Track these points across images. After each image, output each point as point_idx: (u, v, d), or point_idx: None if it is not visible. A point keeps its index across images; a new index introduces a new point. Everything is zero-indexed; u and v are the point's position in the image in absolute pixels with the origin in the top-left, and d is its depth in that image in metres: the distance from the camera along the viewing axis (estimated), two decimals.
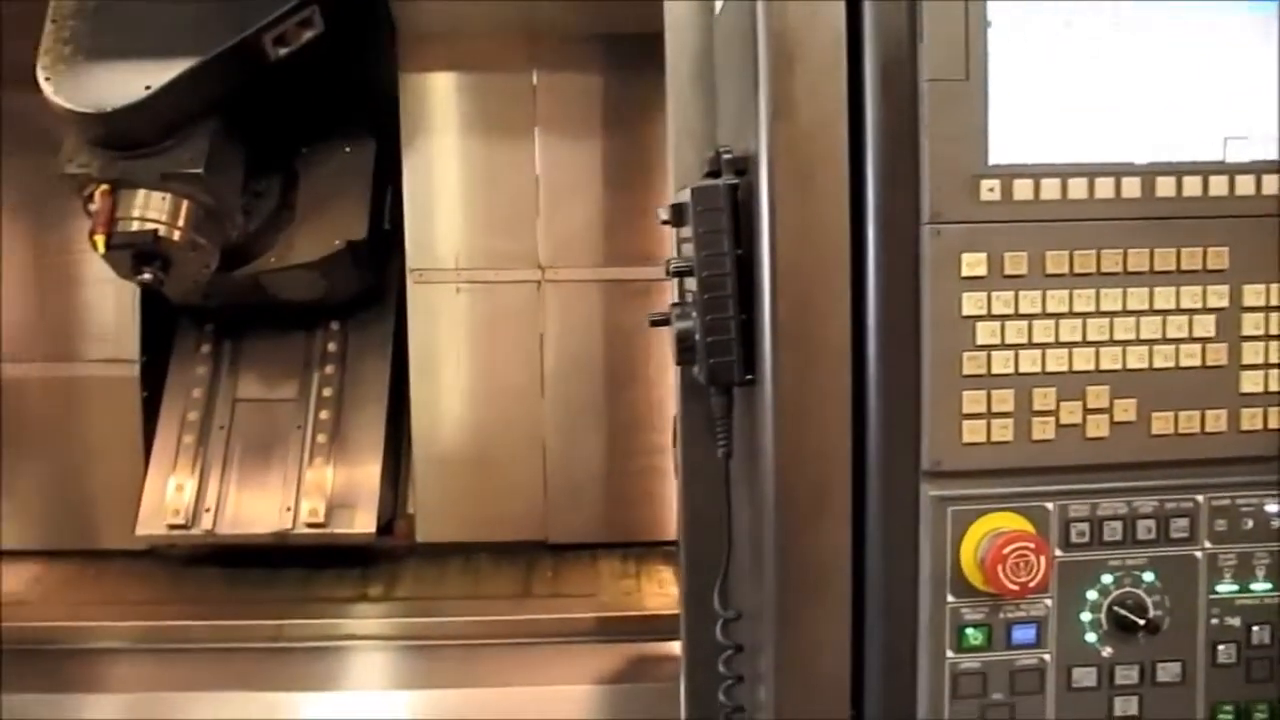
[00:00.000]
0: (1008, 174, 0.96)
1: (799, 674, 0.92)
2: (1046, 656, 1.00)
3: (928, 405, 0.94)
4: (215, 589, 2.63)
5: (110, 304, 2.70)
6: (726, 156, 0.97)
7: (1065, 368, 0.99)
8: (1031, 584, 0.96)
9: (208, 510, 2.57)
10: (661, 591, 2.54)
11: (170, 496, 2.57)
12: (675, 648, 2.30)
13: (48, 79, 2.09)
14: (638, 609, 2.48)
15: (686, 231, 0.99)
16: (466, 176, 2.67)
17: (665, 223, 1.04)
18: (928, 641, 0.96)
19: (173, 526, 2.55)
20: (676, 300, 1.08)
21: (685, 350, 0.99)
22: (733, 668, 1.06)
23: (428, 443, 2.69)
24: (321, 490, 2.58)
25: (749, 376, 0.96)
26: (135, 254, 2.18)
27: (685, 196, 0.98)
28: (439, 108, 2.65)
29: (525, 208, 2.67)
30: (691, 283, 1.00)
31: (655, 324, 1.06)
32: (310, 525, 2.55)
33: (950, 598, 0.98)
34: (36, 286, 2.75)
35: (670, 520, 2.63)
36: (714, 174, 0.98)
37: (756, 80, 0.88)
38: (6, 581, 2.68)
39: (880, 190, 0.91)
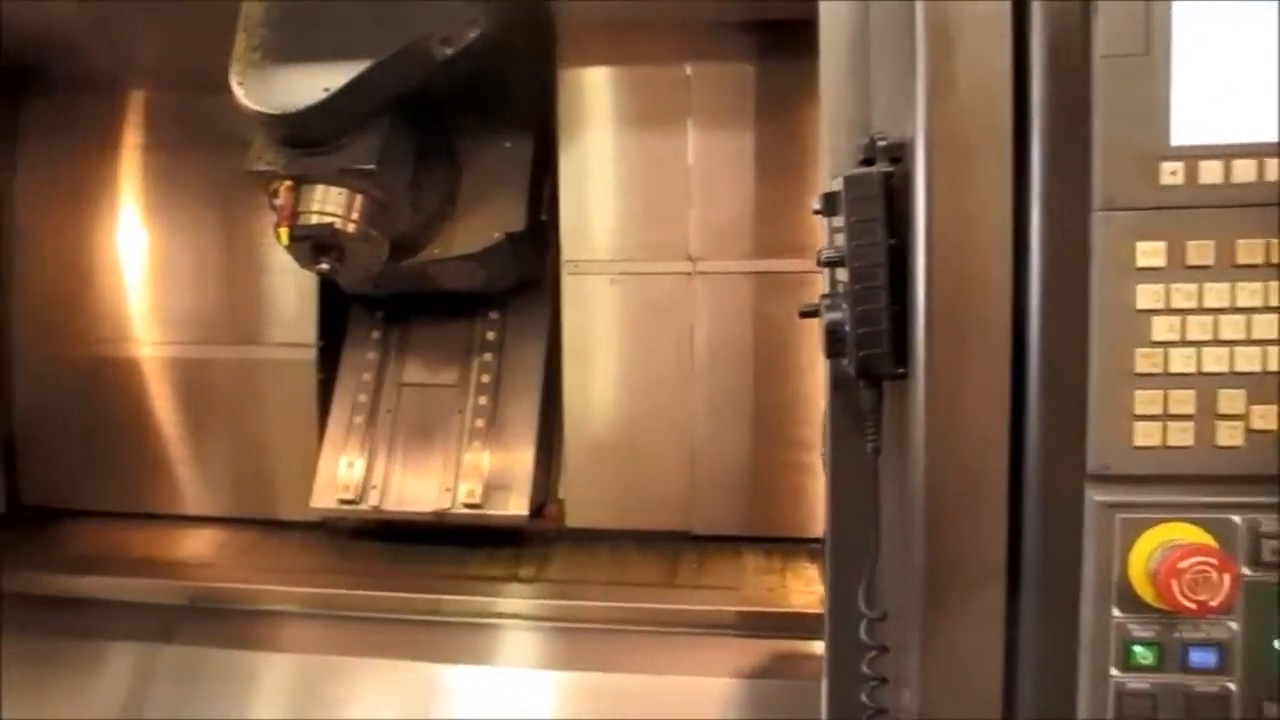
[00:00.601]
0: (1193, 155, 0.89)
1: (947, 678, 0.88)
2: (1231, 685, 0.92)
3: (1095, 404, 0.88)
4: (379, 562, 2.79)
5: (291, 292, 2.89)
6: (881, 143, 0.94)
7: (1258, 368, 0.90)
8: (1213, 603, 0.88)
9: (374, 487, 2.72)
10: (806, 589, 2.50)
11: (341, 473, 2.73)
12: (817, 646, 2.27)
13: (239, 84, 2.25)
14: (781, 605, 2.45)
15: (839, 221, 0.97)
16: (620, 169, 2.71)
17: (818, 212, 1.02)
18: (1090, 656, 0.90)
19: (343, 501, 2.71)
20: (828, 291, 1.05)
21: (835, 342, 0.97)
22: (877, 669, 1.03)
23: (579, 430, 2.74)
24: (478, 473, 2.69)
25: (900, 370, 0.93)
26: (314, 245, 2.33)
27: (838, 185, 0.96)
28: (595, 102, 2.69)
29: (677, 199, 2.68)
30: (843, 273, 0.97)
31: (805, 315, 1.03)
32: (467, 506, 2.66)
33: (1116, 611, 0.91)
34: (227, 276, 2.97)
35: (817, 517, 2.59)
36: (868, 161, 0.95)
37: (913, 58, 0.84)
38: (196, 545, 2.94)
39: (1046, 174, 0.86)
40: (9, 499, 3.01)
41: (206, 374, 2.99)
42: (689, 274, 2.68)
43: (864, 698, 1.02)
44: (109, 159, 2.99)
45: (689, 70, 2.66)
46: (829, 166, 1.07)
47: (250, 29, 2.33)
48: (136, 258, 3.00)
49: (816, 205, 1.01)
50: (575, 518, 2.75)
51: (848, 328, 0.94)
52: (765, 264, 2.61)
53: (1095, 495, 0.89)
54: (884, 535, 0.99)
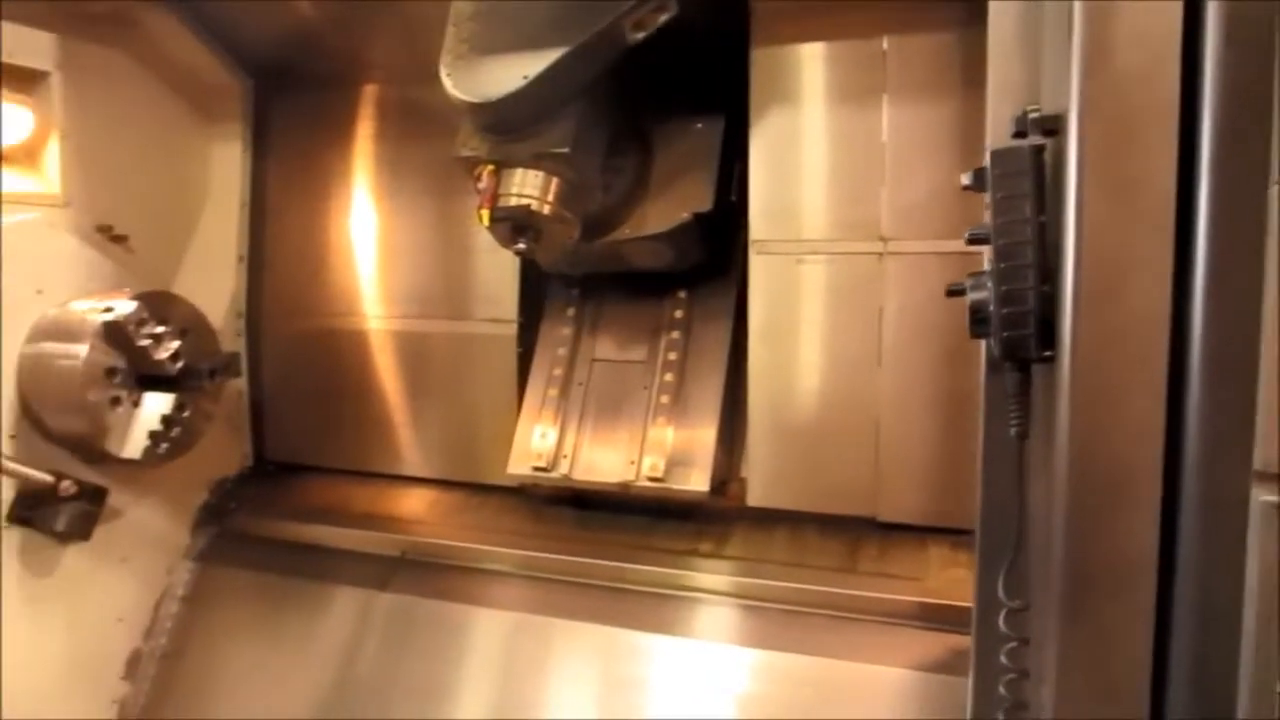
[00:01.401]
0: None
1: (1086, 674, 0.83)
2: None
3: (1264, 396, 0.79)
4: (569, 528, 2.93)
5: (497, 271, 3.06)
6: (1034, 116, 0.89)
7: None
8: None
9: (565, 457, 2.86)
10: None
11: (535, 443, 2.89)
12: None
13: (448, 75, 2.42)
14: (965, 599, 2.35)
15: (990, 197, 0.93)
16: (812, 148, 2.67)
17: (967, 188, 0.98)
18: (1253, 665, 0.82)
19: (536, 469, 2.86)
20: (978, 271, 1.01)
21: (979, 322, 0.93)
22: (1017, 661, 0.99)
23: (763, 410, 2.74)
24: (662, 448, 2.76)
25: (1048, 352, 0.88)
26: (512, 226, 2.47)
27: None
28: (787, 80, 2.66)
29: (870, 178, 2.61)
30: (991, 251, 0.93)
31: (951, 295, 1.00)
32: (650, 479, 2.74)
33: None
34: (442, 255, 3.19)
35: None
36: (1021, 135, 0.90)
37: (1070, 24, 0.79)
38: (410, 503, 3.20)
39: (1218, 145, 0.78)
40: (256, 455, 3.40)
41: (423, 346, 3.23)
42: (879, 254, 2.61)
43: (1002, 689, 0.98)
44: (343, 149, 3.29)
45: (886, 44, 2.57)
46: (991, 140, 1.02)
47: (459, 23, 2.50)
48: (365, 239, 3.28)
49: (966, 180, 0.97)
50: (756, 497, 2.76)
51: (992, 307, 0.90)
52: (959, 244, 2.48)
53: (1262, 495, 0.80)
54: (1029, 523, 0.94)
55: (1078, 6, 0.79)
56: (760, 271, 2.71)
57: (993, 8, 1.08)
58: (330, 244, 3.30)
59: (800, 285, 2.69)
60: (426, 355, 3.23)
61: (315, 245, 3.31)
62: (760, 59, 2.66)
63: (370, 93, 3.28)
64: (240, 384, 3.26)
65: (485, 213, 2.46)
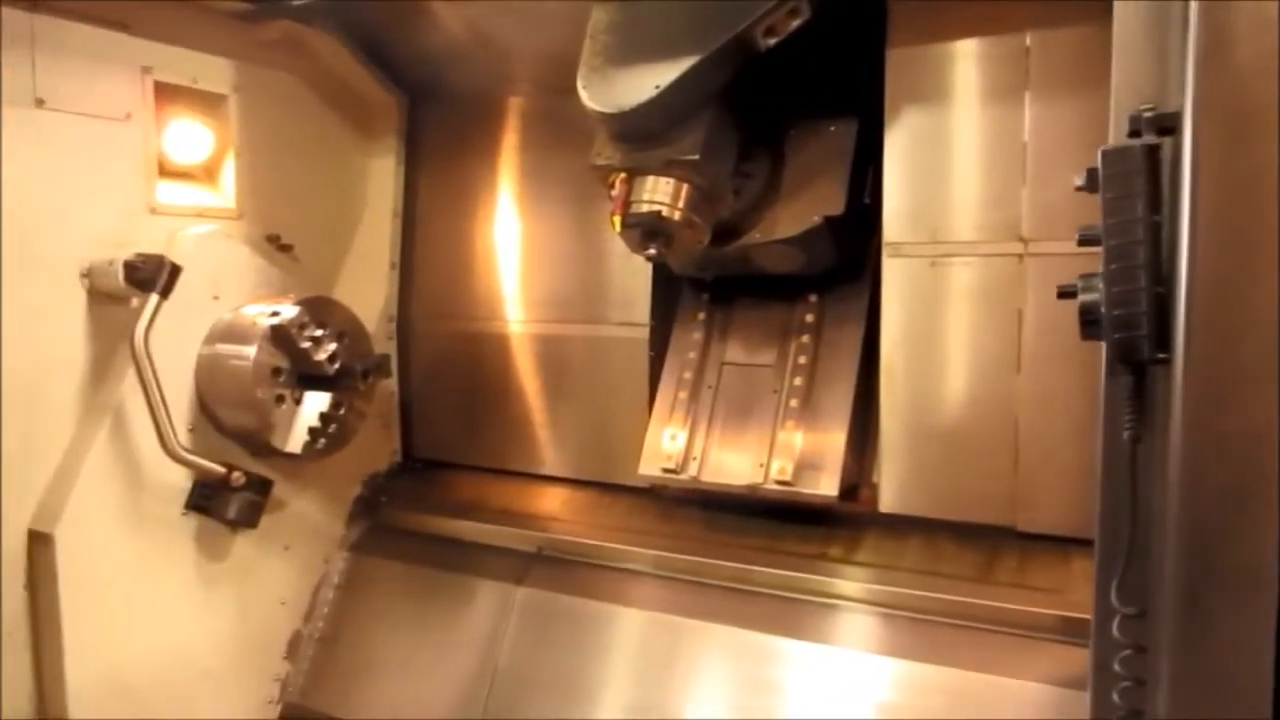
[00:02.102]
0: None
1: (1203, 684, 0.80)
2: None
3: None
4: (697, 529, 2.97)
5: (629, 276, 3.13)
6: (1148, 114, 0.86)
7: None
8: None
9: (694, 459, 2.89)
10: None
11: (666, 444, 2.93)
12: None
13: (583, 87, 2.51)
14: None
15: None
16: (950, 148, 2.61)
17: (1080, 188, 0.95)
18: None
19: (666, 470, 2.91)
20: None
21: (1090, 324, 0.91)
22: (1132, 669, 0.95)
23: (895, 415, 2.69)
24: (791, 451, 2.75)
25: (1162, 354, 0.85)
26: (643, 231, 2.53)
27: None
28: (924, 80, 2.61)
29: (1010, 178, 2.53)
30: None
31: (1063, 296, 0.97)
32: (779, 482, 2.74)
33: None
34: (579, 261, 3.29)
35: None
36: (1136, 134, 0.88)
37: (1187, 18, 0.77)
38: (546, 501, 3.31)
39: None
40: (404, 451, 3.59)
41: (561, 349, 3.34)
42: (1020, 256, 2.52)
43: (1115, 697, 0.95)
44: (488, 159, 3.44)
45: (1029, 40, 2.49)
46: (1114, 139, 0.99)
47: (595, 35, 2.58)
48: (508, 245, 3.42)
49: (1079, 181, 0.94)
50: (889, 503, 2.71)
51: (1103, 309, 0.88)
52: None
53: None
54: (1144, 528, 0.90)
55: (1194, 2, 0.76)
56: (895, 274, 2.67)
57: (1118, 5, 1.04)
58: (475, 250, 3.45)
59: (936, 288, 2.63)
60: (564, 358, 3.33)
61: (461, 252, 3.47)
62: (896, 59, 2.62)
63: (514, 105, 3.42)
64: (391, 384, 3.46)
65: (617, 219, 2.53)
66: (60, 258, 2.61)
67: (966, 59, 2.60)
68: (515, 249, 3.40)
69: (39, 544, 2.59)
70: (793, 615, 2.71)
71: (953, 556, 2.62)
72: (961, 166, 2.60)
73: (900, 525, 2.71)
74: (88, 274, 2.66)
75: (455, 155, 3.49)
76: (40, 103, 2.53)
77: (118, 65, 2.69)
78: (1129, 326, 0.87)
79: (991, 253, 2.56)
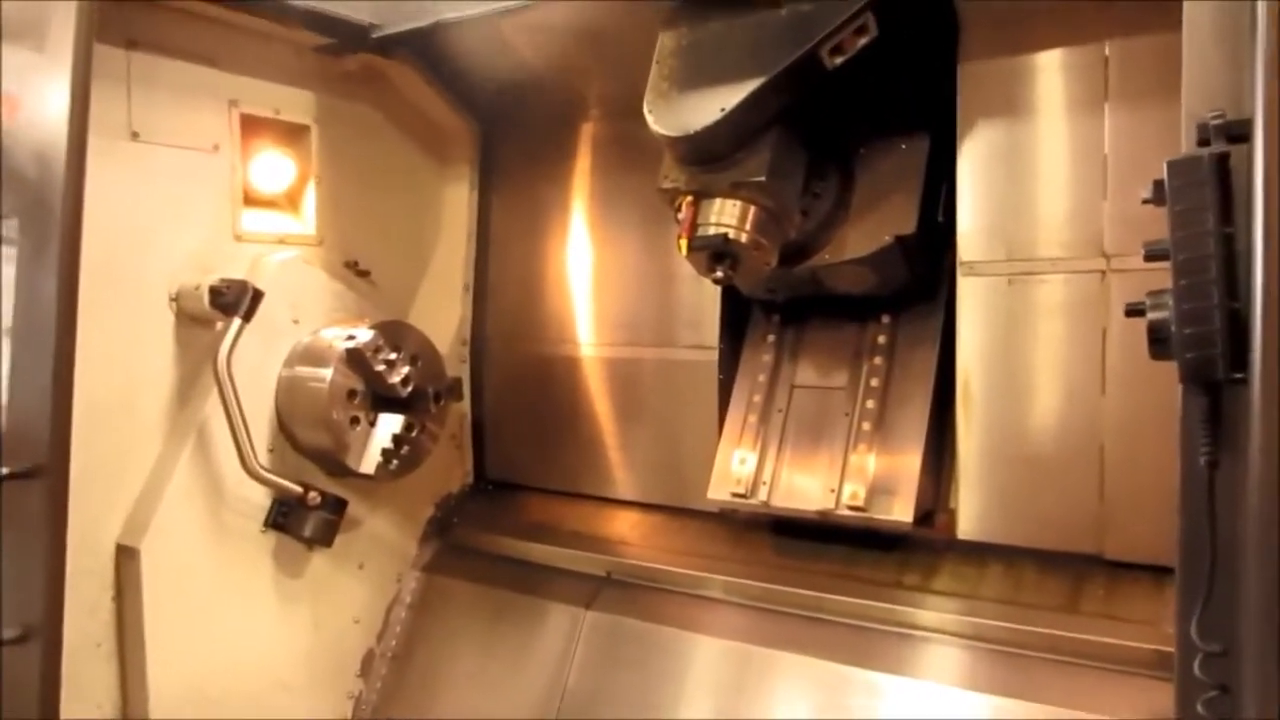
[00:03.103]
0: None
1: None
2: None
3: None
4: (767, 555, 2.92)
5: (698, 299, 3.12)
6: (1217, 122, 0.81)
7: None
8: None
9: (764, 483, 2.85)
10: None
11: (735, 468, 2.90)
12: None
13: (649, 111, 2.52)
14: None
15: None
16: (1025, 163, 2.54)
17: (1147, 201, 0.91)
18: None
19: (735, 495, 2.87)
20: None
21: (1159, 343, 0.85)
22: (1217, 712, 0.88)
23: (973, 438, 2.61)
24: (863, 475, 2.69)
25: (1237, 374, 0.79)
26: (710, 254, 2.51)
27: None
28: (999, 94, 2.55)
29: (1091, 192, 2.44)
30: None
31: (1131, 314, 0.92)
32: (851, 507, 2.67)
33: None
34: (649, 284, 3.29)
35: None
36: (1205, 143, 0.83)
37: (1254, 21, 0.72)
38: (616, 524, 3.29)
39: None
40: (476, 473, 3.63)
41: (632, 371, 3.33)
42: (1102, 272, 2.43)
43: None
44: (559, 184, 3.48)
45: (1108, 49, 2.42)
46: (1187, 147, 0.94)
47: (661, 60, 2.60)
48: (579, 269, 3.45)
49: (1145, 194, 0.90)
50: (967, 529, 2.62)
51: (1173, 327, 0.83)
52: None
53: None
54: (1224, 559, 0.84)
55: (1261, 5, 0.72)
56: (970, 294, 2.60)
57: (1187, 8, 1.00)
58: (547, 274, 3.49)
59: (1015, 307, 2.55)
60: (634, 380, 3.33)
61: (533, 275, 3.51)
62: (969, 73, 2.57)
63: (585, 130, 3.46)
64: (463, 406, 3.51)
65: (684, 242, 2.52)
66: (151, 282, 2.72)
67: (1043, 71, 2.53)
68: (587, 272, 3.43)
69: (126, 557, 2.68)
70: (868, 645, 2.63)
71: (1036, 585, 2.51)
72: (1039, 181, 2.53)
73: (979, 552, 2.62)
74: (176, 298, 2.77)
75: (528, 180, 3.54)
76: (134, 136, 2.66)
77: (207, 99, 2.82)
78: (1201, 345, 0.82)
79: (1073, 269, 2.47)
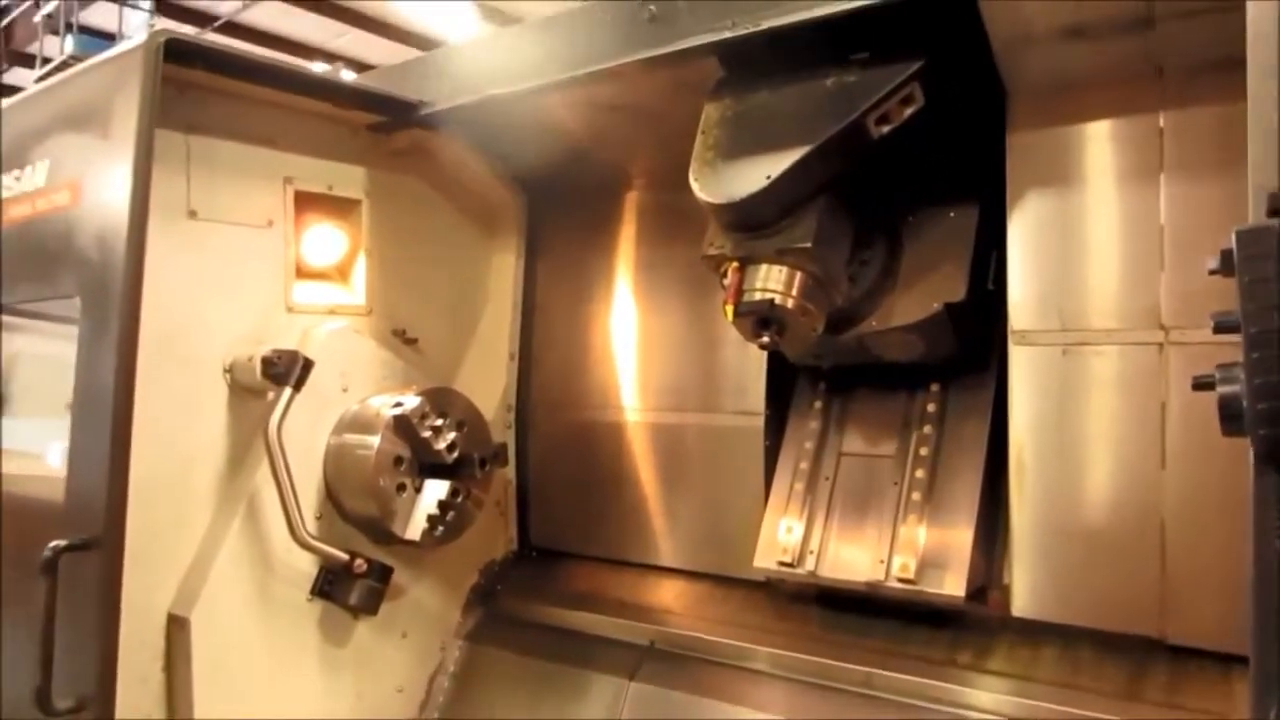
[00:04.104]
0: None
1: None
2: None
3: None
4: (814, 627, 2.85)
5: (743, 365, 3.10)
6: None
7: None
8: None
9: (812, 553, 2.80)
10: None
11: (782, 537, 2.85)
12: None
13: (695, 180, 2.54)
14: None
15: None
16: (1078, 233, 2.50)
17: (1214, 272, 0.88)
18: None
19: (782, 564, 2.82)
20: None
21: (1231, 419, 0.82)
22: None
23: (1028, 512, 2.54)
24: (913, 547, 2.63)
25: None
26: (757, 320, 2.51)
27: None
28: (1050, 163, 2.52)
29: (1147, 262, 2.39)
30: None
31: (1198, 388, 0.89)
32: (900, 580, 2.61)
33: None
34: (694, 350, 3.28)
35: None
36: (1275, 213, 0.80)
37: None
38: (660, 593, 3.25)
39: None
40: (520, 540, 3.62)
41: (676, 438, 3.31)
42: (1160, 344, 2.37)
43: None
44: (604, 251, 3.51)
45: (1162, 120, 2.38)
46: (1254, 218, 0.91)
47: (707, 130, 2.62)
48: (623, 335, 3.45)
49: (1213, 264, 0.87)
50: (1022, 607, 2.54)
51: (1245, 402, 0.79)
52: None
53: None
54: None
55: None
56: (1023, 363, 2.55)
57: (1251, 81, 0.98)
58: (591, 341, 3.50)
59: (1069, 378, 2.50)
60: (679, 447, 3.31)
61: (577, 342, 3.53)
62: (1018, 143, 2.56)
63: (629, 200, 3.49)
64: (508, 472, 3.51)
65: (730, 308, 2.52)
66: (206, 355, 2.79)
67: (1094, 141, 2.51)
68: (631, 339, 3.44)
69: (176, 627, 2.71)
70: None
71: (1093, 668, 2.42)
72: (1093, 251, 2.49)
73: (1034, 631, 2.53)
74: (229, 369, 2.82)
75: (573, 249, 3.58)
76: (192, 214, 2.74)
77: (262, 177, 2.90)
78: (1275, 422, 0.78)
79: (1130, 341, 2.42)
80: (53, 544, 2.38)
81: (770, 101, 2.55)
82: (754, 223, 2.51)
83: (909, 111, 2.40)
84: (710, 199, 2.49)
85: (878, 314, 2.67)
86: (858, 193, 2.56)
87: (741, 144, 2.52)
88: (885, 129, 2.40)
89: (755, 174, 2.42)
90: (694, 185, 2.54)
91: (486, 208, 3.56)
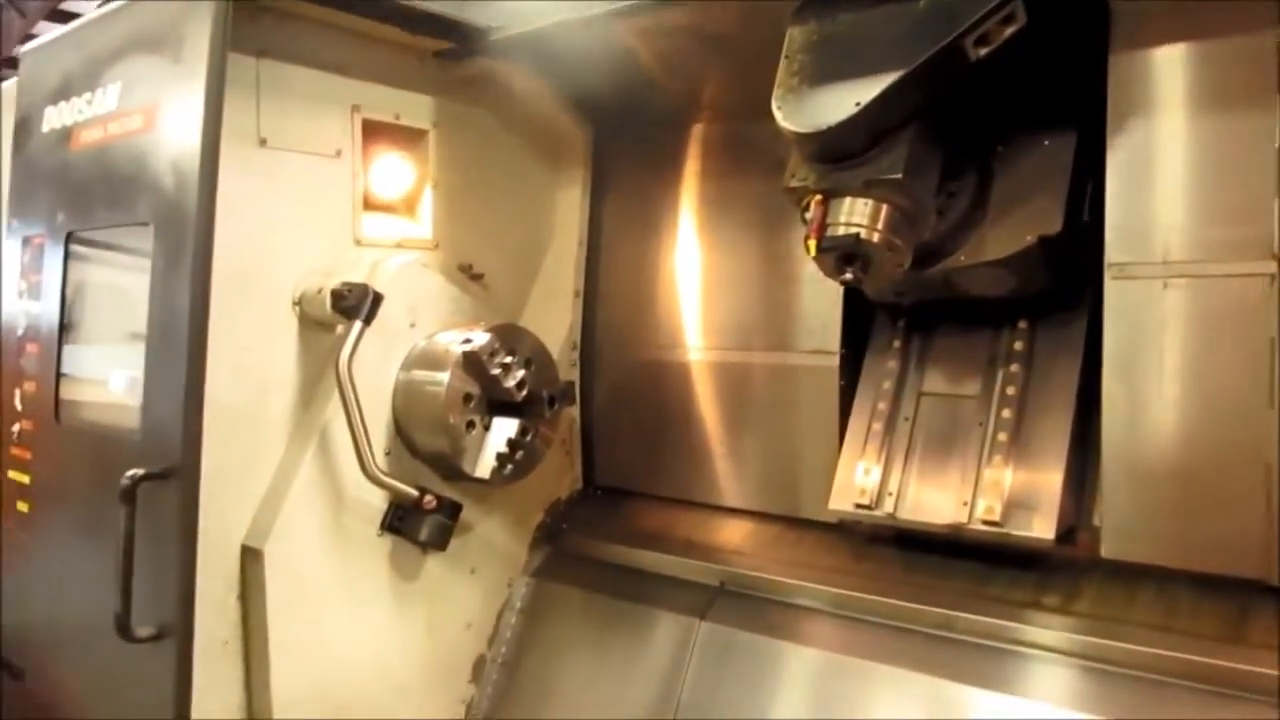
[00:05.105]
0: None
1: None
2: None
3: None
4: (892, 570, 2.79)
5: (819, 302, 3.02)
6: None
7: None
8: None
9: (890, 495, 2.73)
10: None
11: (859, 479, 2.78)
12: None
13: (779, 107, 2.43)
14: None
15: None
16: (1184, 159, 2.37)
17: None
18: None
19: (859, 506, 2.76)
20: None
21: None
22: None
23: (1121, 452, 2.44)
24: (999, 489, 2.55)
25: None
26: (840, 255, 2.41)
27: None
28: (1154, 86, 2.39)
29: (1259, 189, 2.26)
30: None
31: None
32: (986, 523, 2.54)
33: None
34: (763, 288, 3.20)
35: None
36: None
37: None
38: (728, 533, 3.21)
39: None
40: (585, 479, 3.59)
41: (745, 377, 3.25)
42: (1272, 276, 2.25)
43: None
44: (671, 186, 3.42)
45: (1278, 38, 2.24)
46: None
47: (791, 55, 2.50)
48: (690, 273, 3.37)
49: None
50: (1113, 549, 2.46)
51: None
52: None
53: None
54: None
55: None
56: (1118, 298, 2.44)
57: None
58: (657, 278, 3.43)
59: (1169, 313, 2.39)
60: (748, 387, 3.25)
61: (644, 280, 3.46)
62: (1120, 65, 2.42)
63: (697, 132, 3.39)
64: (573, 411, 3.47)
65: (813, 243, 2.42)
66: (277, 287, 2.76)
67: (1202, 62, 2.36)
68: (699, 276, 3.36)
69: (251, 559, 2.72)
70: (1001, 667, 2.50)
71: (1191, 611, 2.34)
72: (1198, 179, 2.36)
73: (1127, 574, 2.46)
74: (299, 302, 2.79)
75: (639, 183, 3.49)
76: (263, 143, 2.69)
77: (332, 105, 2.84)
78: None
79: (1237, 273, 2.30)
80: (130, 472, 2.39)
81: (859, 23, 2.42)
82: (841, 153, 2.40)
83: (1009, 31, 2.26)
84: (795, 128, 2.39)
85: (966, 248, 2.57)
86: (948, 120, 2.44)
87: (829, 69, 2.40)
88: (984, 51, 2.27)
89: (844, 101, 2.31)
90: (777, 113, 2.43)
91: (553, 141, 3.48)
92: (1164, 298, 2.39)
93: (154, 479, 2.40)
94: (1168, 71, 2.39)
